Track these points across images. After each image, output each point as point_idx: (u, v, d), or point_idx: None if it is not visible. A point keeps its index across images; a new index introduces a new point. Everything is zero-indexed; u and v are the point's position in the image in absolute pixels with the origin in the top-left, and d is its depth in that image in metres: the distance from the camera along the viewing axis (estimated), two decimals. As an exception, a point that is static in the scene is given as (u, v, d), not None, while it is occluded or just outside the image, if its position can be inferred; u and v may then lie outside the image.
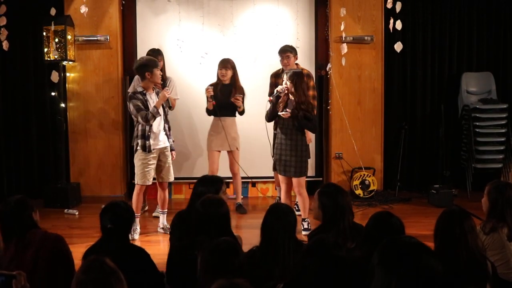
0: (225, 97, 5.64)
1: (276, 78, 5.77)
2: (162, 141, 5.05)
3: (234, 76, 5.70)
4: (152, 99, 4.95)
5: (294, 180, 4.96)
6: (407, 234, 2.49)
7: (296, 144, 4.91)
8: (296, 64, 5.74)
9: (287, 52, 5.67)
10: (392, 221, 2.68)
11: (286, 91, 4.89)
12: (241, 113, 5.78)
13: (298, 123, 4.85)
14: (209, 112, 5.75)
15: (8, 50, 5.60)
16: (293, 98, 4.88)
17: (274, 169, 5.32)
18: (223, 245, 2.34)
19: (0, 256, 2.80)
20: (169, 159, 5.15)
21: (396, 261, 1.68)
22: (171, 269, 3.01)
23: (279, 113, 4.91)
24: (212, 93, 5.56)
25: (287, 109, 4.86)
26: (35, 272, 2.72)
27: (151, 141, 4.94)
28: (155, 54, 5.60)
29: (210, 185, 3.45)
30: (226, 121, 5.73)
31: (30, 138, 6.56)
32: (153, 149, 4.96)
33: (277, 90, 4.98)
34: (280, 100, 4.93)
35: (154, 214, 5.77)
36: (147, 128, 4.91)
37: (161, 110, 5.00)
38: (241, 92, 5.68)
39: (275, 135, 5.87)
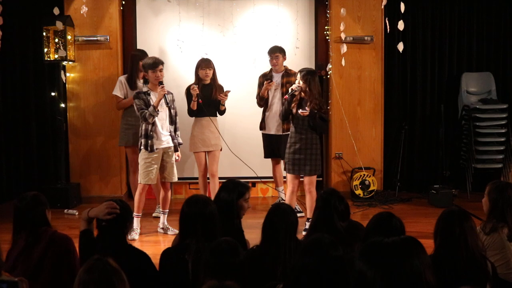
0: (207, 97, 5.56)
1: (264, 78, 5.79)
2: (165, 141, 5.06)
3: (214, 76, 5.65)
4: None
5: (307, 178, 5.01)
6: (407, 234, 2.49)
7: (311, 143, 4.96)
8: (285, 66, 5.80)
9: (275, 52, 5.74)
10: (392, 221, 2.68)
11: (300, 90, 4.91)
12: (222, 112, 5.69)
13: (313, 123, 4.86)
14: (192, 113, 5.60)
15: (8, 50, 5.60)
16: (307, 98, 4.90)
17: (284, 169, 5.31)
18: (224, 245, 2.33)
19: (8, 251, 2.82)
20: (173, 159, 5.15)
21: (392, 262, 1.67)
22: (164, 270, 2.97)
23: (299, 111, 4.88)
24: (198, 92, 5.51)
25: (306, 108, 4.86)
26: (41, 270, 2.73)
27: (154, 141, 4.97)
28: (141, 54, 5.70)
29: (233, 190, 3.33)
30: (210, 121, 5.61)
31: (30, 138, 6.57)
32: (156, 149, 4.98)
33: (291, 89, 4.97)
34: (293, 99, 4.95)
35: (154, 215, 5.77)
36: (150, 127, 4.95)
37: (166, 111, 5.03)
38: (222, 90, 5.60)
39: (263, 135, 5.90)
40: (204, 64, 5.60)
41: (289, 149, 5.04)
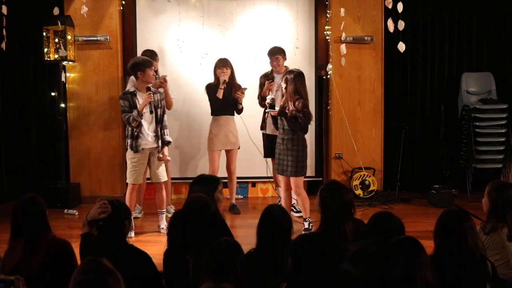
0: (226, 96, 5.63)
1: (265, 78, 5.80)
2: (151, 141, 5.03)
3: (232, 75, 5.71)
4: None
5: (291, 179, 4.99)
6: (407, 234, 2.49)
7: (292, 144, 4.92)
8: (285, 66, 5.78)
9: (275, 54, 5.72)
10: (392, 221, 2.68)
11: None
12: (240, 111, 5.77)
13: (287, 122, 4.87)
14: (215, 105, 5.66)
15: (8, 50, 5.59)
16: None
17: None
18: (224, 245, 2.33)
19: (6, 256, 2.79)
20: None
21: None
22: (167, 270, 2.98)
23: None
24: (227, 80, 5.55)
25: (275, 108, 4.90)
26: (42, 278, 2.69)
27: (140, 141, 4.95)
28: (151, 54, 5.62)
29: (207, 185, 3.37)
30: (229, 119, 5.74)
31: (30, 138, 6.56)
32: (142, 149, 4.98)
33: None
34: (283, 99, 4.99)
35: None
36: (136, 128, 4.95)
37: (151, 112, 4.98)
38: (240, 88, 5.69)
39: (263, 135, 5.91)
40: (222, 64, 5.67)
41: (276, 149, 5.09)
